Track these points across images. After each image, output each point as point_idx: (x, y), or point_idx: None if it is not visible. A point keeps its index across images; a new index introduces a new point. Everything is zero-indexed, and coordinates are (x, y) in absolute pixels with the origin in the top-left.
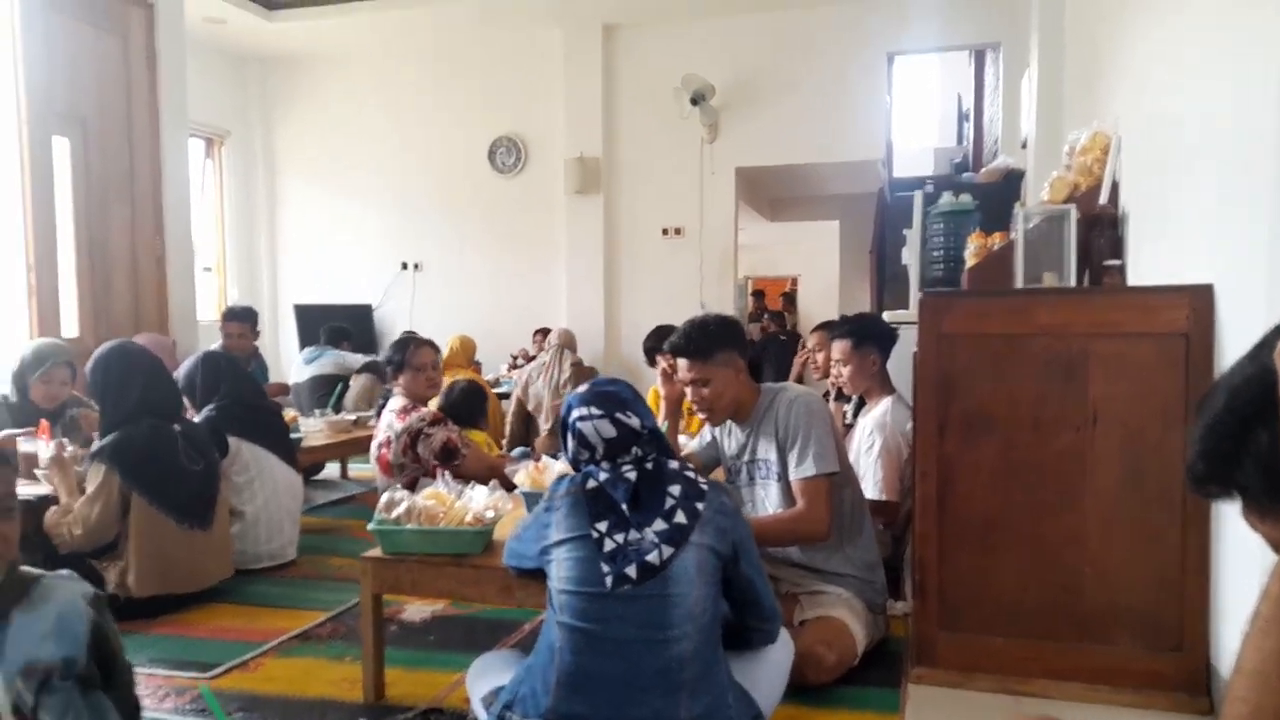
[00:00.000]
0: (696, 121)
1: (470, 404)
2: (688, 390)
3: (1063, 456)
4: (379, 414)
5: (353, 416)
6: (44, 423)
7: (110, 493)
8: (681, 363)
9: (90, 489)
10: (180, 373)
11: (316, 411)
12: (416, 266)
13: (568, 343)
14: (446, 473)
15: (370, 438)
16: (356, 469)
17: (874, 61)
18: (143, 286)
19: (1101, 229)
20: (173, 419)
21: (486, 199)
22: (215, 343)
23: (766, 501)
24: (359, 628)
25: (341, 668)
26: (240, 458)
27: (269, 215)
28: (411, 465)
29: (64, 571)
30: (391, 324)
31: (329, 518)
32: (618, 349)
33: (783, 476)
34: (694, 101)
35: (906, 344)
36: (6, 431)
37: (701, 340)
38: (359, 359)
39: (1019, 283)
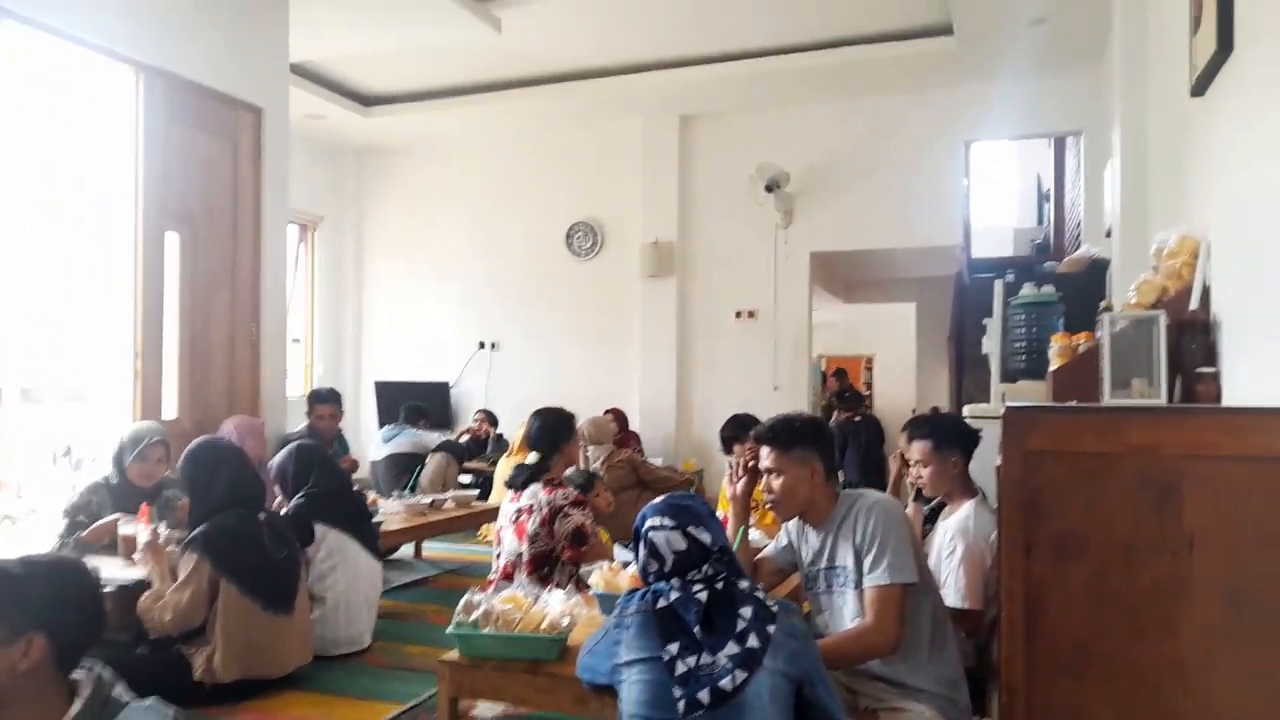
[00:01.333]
0: (771, 207)
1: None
2: (764, 478)
3: (1158, 583)
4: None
5: (428, 499)
6: (145, 506)
7: (200, 580)
8: (763, 450)
9: (181, 576)
10: (274, 463)
11: (395, 493)
12: (494, 346)
13: (596, 437)
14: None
15: (447, 520)
16: (430, 549)
17: (951, 148)
18: (238, 369)
19: (1193, 335)
20: (257, 508)
21: (563, 282)
22: (300, 423)
23: (844, 610)
24: None
25: None
26: (326, 544)
27: (355, 295)
28: (544, 538)
29: (148, 702)
30: (468, 402)
31: (403, 601)
32: (689, 430)
33: (859, 584)
34: (769, 188)
35: (990, 440)
36: (109, 517)
37: (784, 433)
38: (435, 438)
39: (1106, 389)
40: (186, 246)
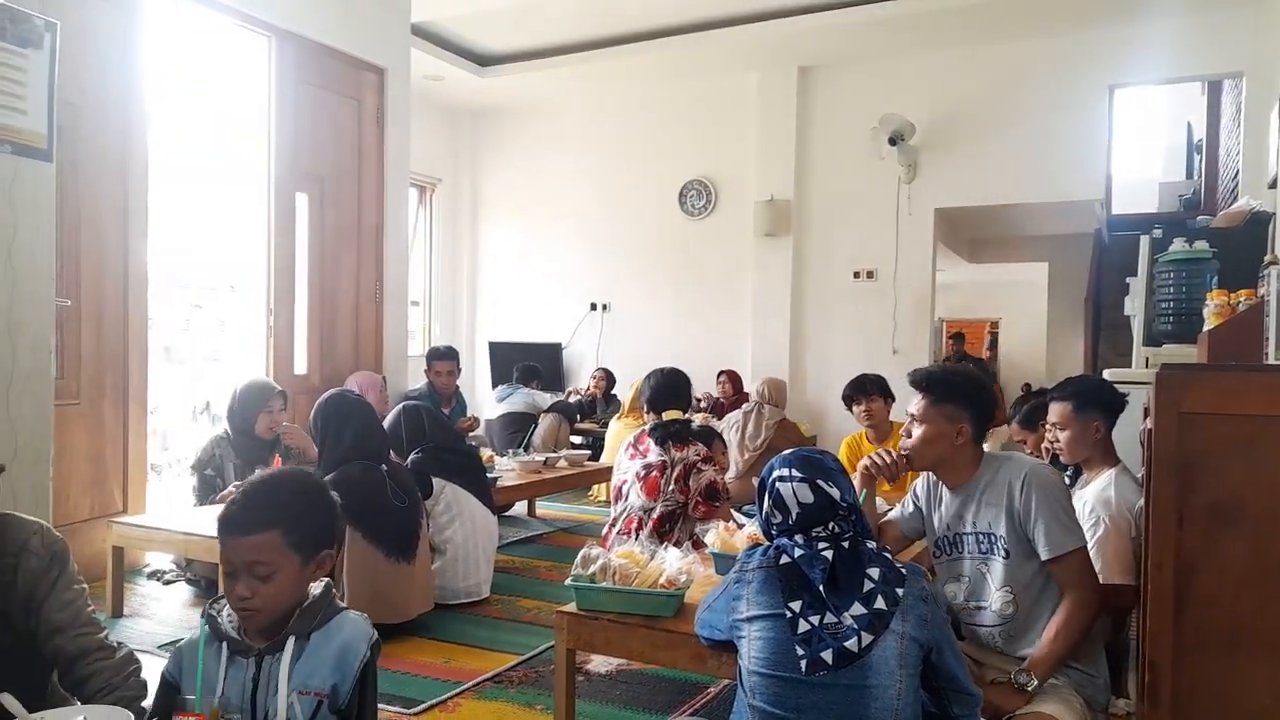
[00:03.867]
0: (894, 161)
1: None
2: (905, 422)
3: None
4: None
5: (542, 457)
6: (277, 457)
7: None
8: (914, 395)
9: None
10: (386, 424)
11: (510, 452)
12: (605, 307)
13: (774, 398)
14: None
15: (560, 478)
16: (544, 508)
17: (1093, 95)
18: (362, 328)
19: None
20: (380, 461)
21: (675, 241)
22: (419, 381)
23: (989, 578)
24: (548, 675)
25: (533, 715)
26: (443, 497)
27: (471, 256)
28: (677, 494)
29: (355, 614)
30: (580, 363)
31: (518, 557)
32: (803, 393)
33: (1010, 554)
34: (892, 141)
35: (1132, 409)
36: (235, 485)
37: (940, 385)
38: (547, 398)
39: (1271, 348)
40: (315, 207)
